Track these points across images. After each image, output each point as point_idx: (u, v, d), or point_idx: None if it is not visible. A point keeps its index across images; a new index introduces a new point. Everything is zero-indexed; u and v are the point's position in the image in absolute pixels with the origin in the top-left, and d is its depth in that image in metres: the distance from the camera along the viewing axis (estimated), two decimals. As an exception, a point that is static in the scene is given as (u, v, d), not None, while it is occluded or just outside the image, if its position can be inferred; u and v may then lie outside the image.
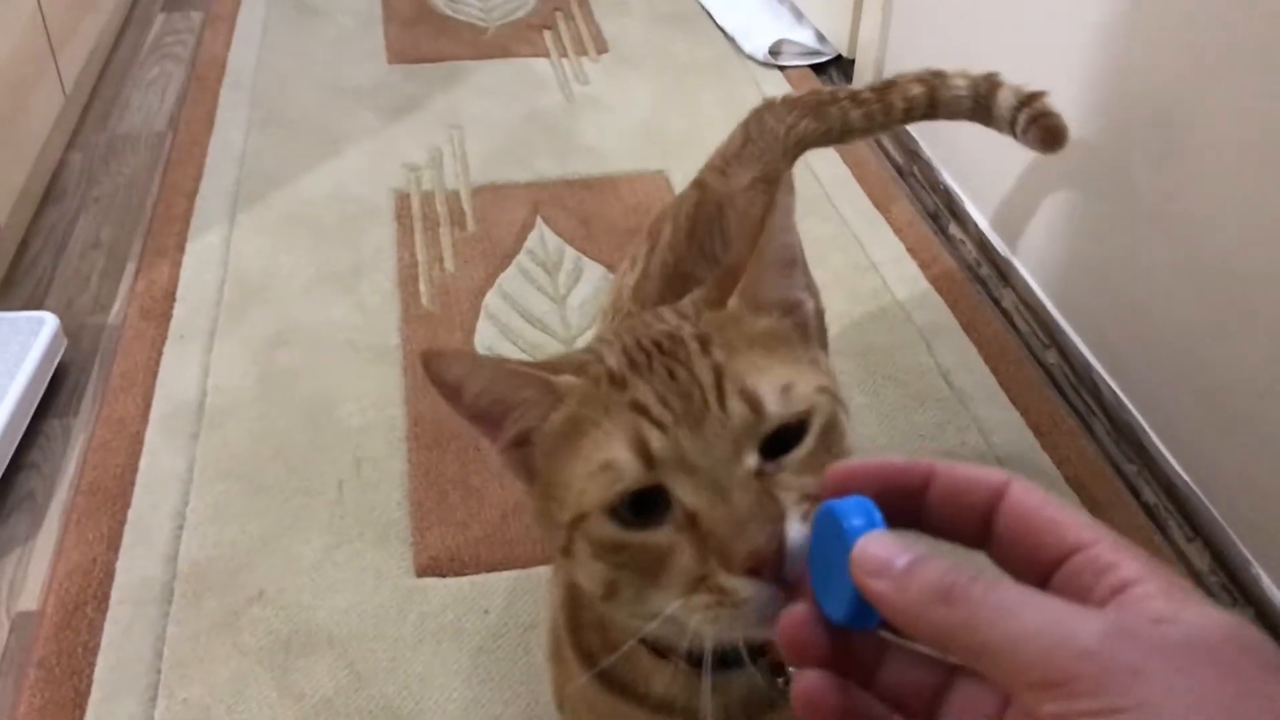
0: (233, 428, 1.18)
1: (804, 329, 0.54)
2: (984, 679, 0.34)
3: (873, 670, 0.37)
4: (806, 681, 0.36)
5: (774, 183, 0.96)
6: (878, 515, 0.36)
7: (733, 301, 0.52)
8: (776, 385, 0.47)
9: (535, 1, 2.14)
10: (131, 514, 1.08)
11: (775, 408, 0.46)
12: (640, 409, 0.47)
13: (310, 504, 1.10)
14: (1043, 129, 1.10)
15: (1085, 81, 1.20)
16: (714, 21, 2.06)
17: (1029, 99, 1.09)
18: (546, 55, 1.95)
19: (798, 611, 0.37)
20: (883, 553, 0.34)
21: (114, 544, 1.05)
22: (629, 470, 0.46)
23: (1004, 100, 1.09)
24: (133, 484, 1.11)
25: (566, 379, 0.50)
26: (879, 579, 0.34)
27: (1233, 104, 1.00)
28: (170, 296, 1.35)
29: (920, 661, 0.36)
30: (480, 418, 0.52)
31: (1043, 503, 0.35)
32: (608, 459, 0.47)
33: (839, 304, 1.37)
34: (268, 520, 1.08)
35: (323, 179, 1.60)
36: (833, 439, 0.48)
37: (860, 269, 1.44)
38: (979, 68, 1.43)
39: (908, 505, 0.37)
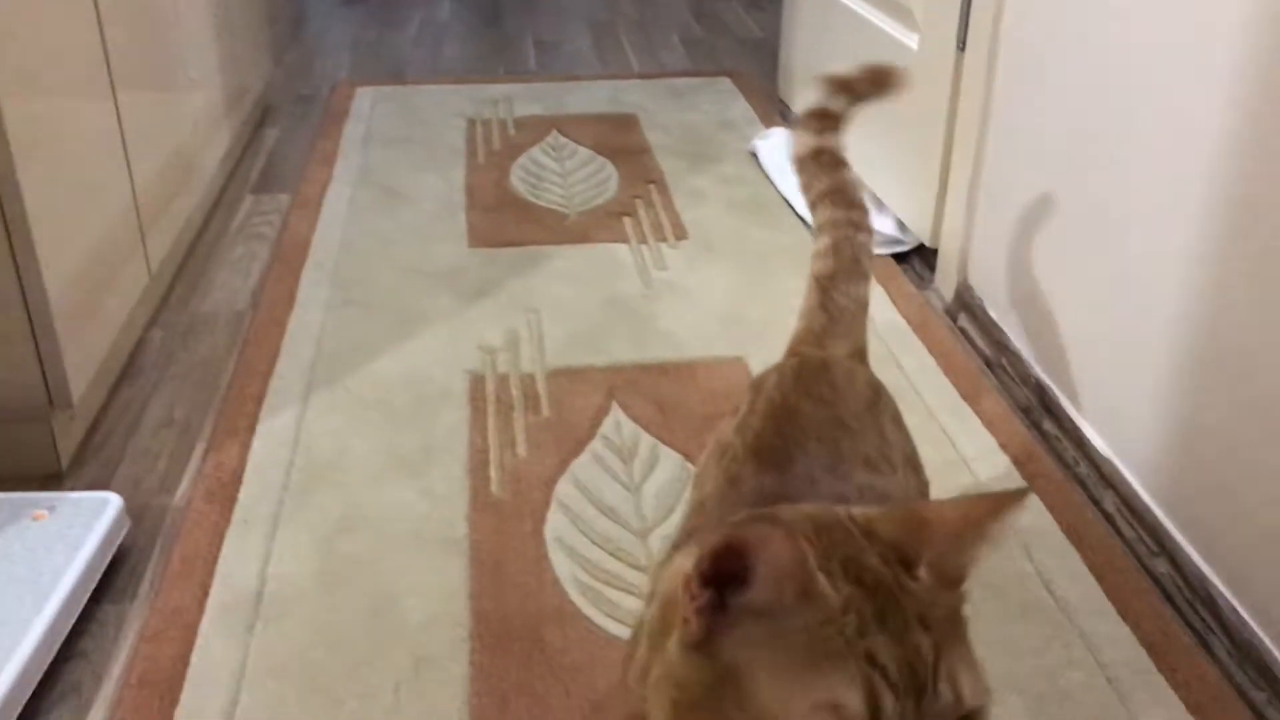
0: (291, 621, 1.12)
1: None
2: None
3: None
4: None
5: (863, 355, 0.95)
6: None
7: (924, 574, 0.53)
8: (969, 681, 0.52)
9: (616, 189, 2.17)
10: (179, 712, 1.02)
11: (969, 700, 0.51)
12: (877, 665, 0.50)
13: (365, 708, 1.03)
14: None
15: (1195, 256, 1.15)
16: (792, 209, 2.06)
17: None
18: (626, 241, 1.96)
19: None
20: None
21: (157, 745, 0.99)
22: (857, 717, 0.49)
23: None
24: (184, 678, 1.05)
25: (825, 589, 0.51)
26: None
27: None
28: (237, 479, 1.33)
29: None
30: (716, 579, 0.52)
31: None
32: (839, 700, 0.49)
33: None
34: (319, 724, 1.01)
35: (398, 360, 1.58)
36: None
37: (951, 464, 1.37)
38: (1069, 263, 1.39)
39: None
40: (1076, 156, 1.38)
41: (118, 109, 1.55)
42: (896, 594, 0.52)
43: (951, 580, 0.54)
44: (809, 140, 1.03)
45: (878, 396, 0.87)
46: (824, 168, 1.02)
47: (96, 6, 1.48)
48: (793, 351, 0.92)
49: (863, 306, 0.97)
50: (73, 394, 1.33)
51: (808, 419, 0.80)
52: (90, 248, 1.41)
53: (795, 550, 0.50)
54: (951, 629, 0.53)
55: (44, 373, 1.31)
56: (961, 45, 1.66)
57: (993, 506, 0.54)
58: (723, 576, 0.52)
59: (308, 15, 3.43)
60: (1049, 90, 1.45)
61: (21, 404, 1.31)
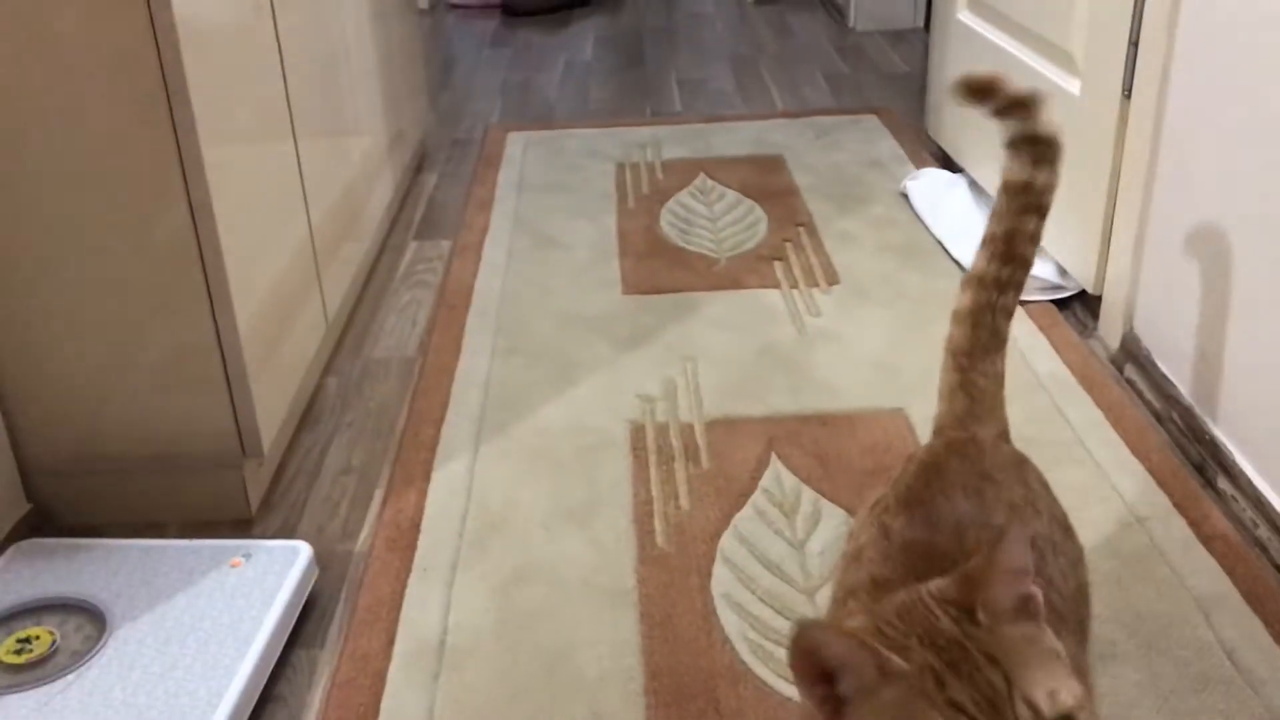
0: (473, 670, 1.17)
1: (1040, 619, 0.63)
2: None
3: None
4: None
5: (1006, 435, 0.96)
6: None
7: (982, 615, 0.61)
8: (1046, 696, 0.58)
9: (765, 233, 2.18)
10: (370, 758, 1.07)
11: (1048, 713, 0.58)
12: (958, 707, 0.58)
13: (546, 760, 1.06)
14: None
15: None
16: (948, 253, 2.04)
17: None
18: (777, 286, 1.97)
19: None
20: None
21: (352, 790, 1.04)
22: None
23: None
24: (373, 726, 1.10)
25: (897, 662, 0.60)
26: None
27: None
28: (416, 527, 1.38)
29: None
30: (816, 680, 0.61)
31: None
32: None
33: (1102, 563, 1.28)
34: (503, 775, 1.05)
35: (561, 408, 1.63)
36: None
37: (1124, 524, 1.34)
38: (1244, 313, 1.35)
39: None
40: (1252, 205, 1.35)
41: (298, 153, 1.62)
42: (964, 643, 0.60)
43: (1006, 615, 0.61)
44: (1020, 171, 0.94)
45: (1024, 461, 0.90)
46: (1012, 211, 0.94)
47: (280, 49, 1.55)
48: (939, 434, 0.94)
49: (1001, 380, 0.97)
50: (263, 442, 1.40)
51: (955, 472, 0.84)
52: (274, 292, 1.48)
53: (849, 641, 0.60)
54: (1022, 657, 0.60)
55: (237, 421, 1.39)
56: (1127, 93, 1.63)
57: (1001, 548, 0.62)
58: (819, 674, 0.61)
59: (457, 57, 3.55)
60: (1222, 138, 1.41)
61: (217, 452, 1.39)
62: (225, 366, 1.36)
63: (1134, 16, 1.60)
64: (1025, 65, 1.98)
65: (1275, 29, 1.29)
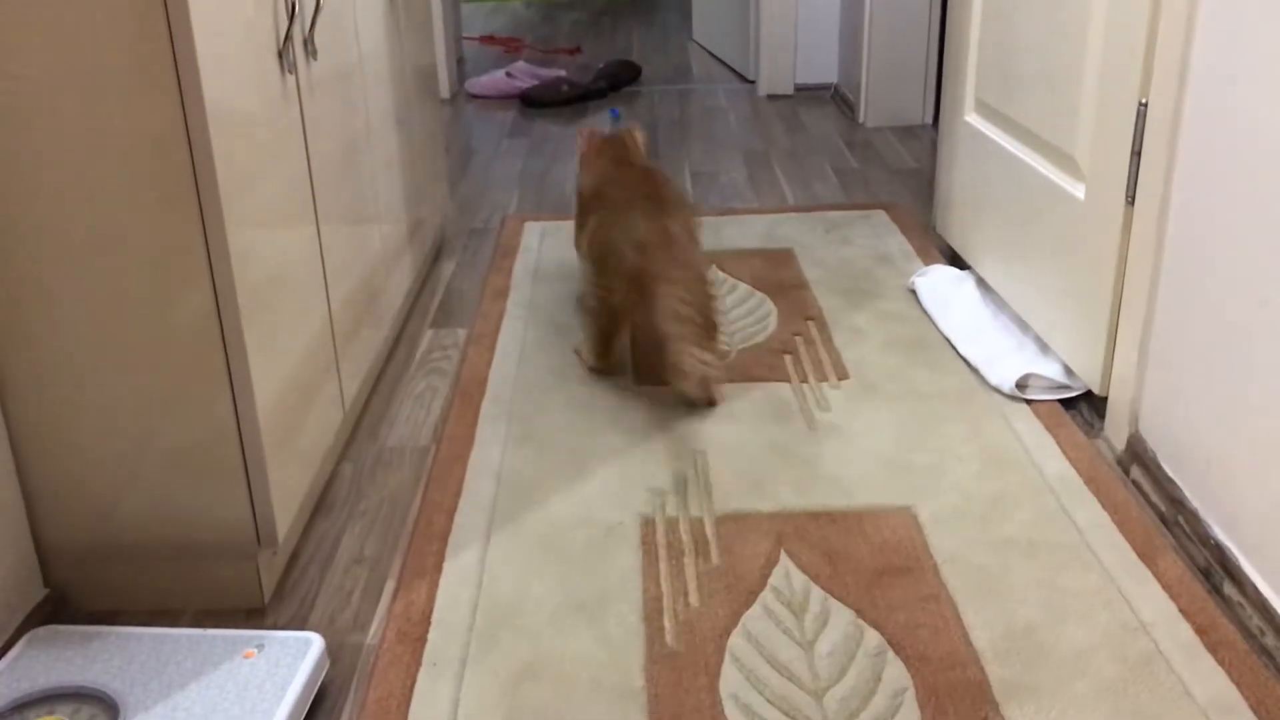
0: (480, 768, 1.17)
1: None
2: None
3: None
4: None
5: None
6: None
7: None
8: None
9: (776, 326, 2.22)
10: None
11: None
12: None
13: None
14: None
15: (1387, 456, 1.12)
16: (956, 351, 2.07)
17: None
18: (788, 380, 2.00)
19: None
20: None
21: None
22: None
23: None
24: (381, 824, 1.10)
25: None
26: None
27: None
28: (426, 619, 1.39)
29: None
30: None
31: None
32: None
33: (1109, 668, 1.28)
34: None
35: (572, 500, 1.65)
36: None
37: (1129, 630, 1.35)
38: (1250, 418, 1.37)
39: None
40: (1255, 309, 1.38)
41: (320, 238, 1.64)
42: None
43: None
44: None
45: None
46: None
47: (305, 135, 1.58)
48: None
49: None
50: (279, 531, 1.42)
51: None
52: (293, 378, 1.50)
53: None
54: None
55: (254, 510, 1.40)
56: (1131, 199, 1.67)
57: None
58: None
59: (476, 147, 3.63)
60: (1225, 244, 1.45)
61: (232, 541, 1.41)
62: (244, 453, 1.38)
63: (1136, 126, 1.64)
64: (1031, 169, 2.02)
65: (1273, 138, 1.33)
